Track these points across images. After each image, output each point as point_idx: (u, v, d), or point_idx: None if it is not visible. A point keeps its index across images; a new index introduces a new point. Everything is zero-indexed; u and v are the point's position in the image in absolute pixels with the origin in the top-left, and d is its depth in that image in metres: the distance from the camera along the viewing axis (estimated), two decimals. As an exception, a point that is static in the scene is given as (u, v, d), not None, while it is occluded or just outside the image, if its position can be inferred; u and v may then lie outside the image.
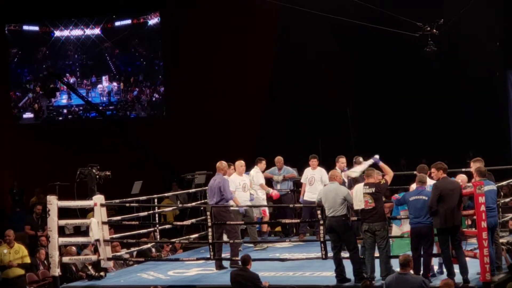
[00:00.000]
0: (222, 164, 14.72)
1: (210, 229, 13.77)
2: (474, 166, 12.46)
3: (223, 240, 15.11)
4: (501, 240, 12.77)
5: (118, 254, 14.90)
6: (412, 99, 24.31)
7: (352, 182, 14.51)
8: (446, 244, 11.93)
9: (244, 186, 15.48)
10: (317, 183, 16.02)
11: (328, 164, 15.59)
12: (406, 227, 12.55)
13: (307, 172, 16.25)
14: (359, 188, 12.52)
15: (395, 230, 12.72)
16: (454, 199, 11.85)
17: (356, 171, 13.83)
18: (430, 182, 12.56)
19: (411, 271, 11.30)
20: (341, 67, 24.79)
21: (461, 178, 12.76)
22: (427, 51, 17.33)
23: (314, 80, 24.79)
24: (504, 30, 23.09)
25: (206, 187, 17.65)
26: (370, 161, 13.36)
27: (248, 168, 15.95)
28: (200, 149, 25.37)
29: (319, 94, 24.55)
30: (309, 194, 16.00)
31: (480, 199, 11.73)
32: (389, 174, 12.88)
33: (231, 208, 14.50)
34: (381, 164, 13.16)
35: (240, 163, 15.58)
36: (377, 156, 13.30)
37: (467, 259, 11.95)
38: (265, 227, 16.65)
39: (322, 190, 13.13)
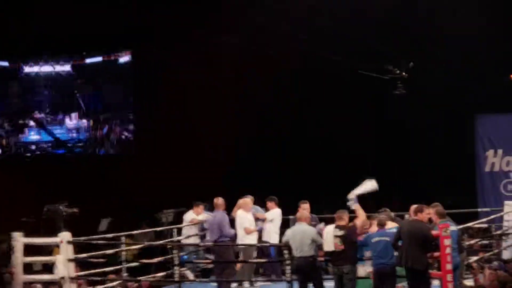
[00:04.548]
0: (221, 200, 14.80)
1: (176, 268, 13.74)
2: (433, 210, 12.57)
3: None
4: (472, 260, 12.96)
5: (83, 292, 14.80)
6: (385, 142, 24.51)
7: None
8: (410, 284, 12.02)
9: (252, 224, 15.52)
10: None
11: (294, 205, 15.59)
12: (370, 268, 12.62)
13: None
14: (330, 230, 12.60)
15: (360, 270, 12.77)
16: (412, 241, 11.90)
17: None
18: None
19: None
20: (312, 107, 25.01)
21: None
22: (397, 94, 17.56)
23: (286, 118, 24.96)
24: (471, 73, 23.35)
25: (174, 226, 17.72)
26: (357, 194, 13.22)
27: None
28: (171, 188, 25.30)
29: (292, 133, 24.73)
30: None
31: (446, 242, 11.83)
32: (361, 217, 12.92)
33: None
34: (356, 205, 13.13)
35: (247, 200, 15.57)
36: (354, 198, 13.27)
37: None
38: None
39: (289, 231, 13.18)
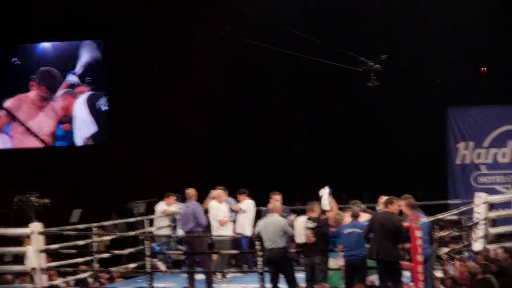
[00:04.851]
0: (193, 191, 14.83)
1: (147, 259, 13.72)
2: (404, 202, 12.57)
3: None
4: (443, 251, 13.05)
5: (54, 283, 14.74)
6: (358, 133, 24.60)
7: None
8: (381, 276, 12.10)
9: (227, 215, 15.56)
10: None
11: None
12: (341, 261, 12.67)
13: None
14: (301, 221, 12.63)
15: (331, 262, 12.83)
16: (383, 233, 11.96)
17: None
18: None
19: None
20: (288, 99, 25.08)
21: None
22: (370, 86, 17.59)
23: (262, 112, 24.98)
24: (443, 66, 23.47)
25: (146, 216, 17.70)
26: (327, 191, 13.34)
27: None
28: (143, 178, 25.24)
29: (267, 126, 24.77)
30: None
31: (417, 233, 11.89)
32: (333, 209, 13.01)
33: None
34: (329, 198, 13.21)
35: (220, 191, 15.59)
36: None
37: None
38: None
39: (261, 222, 13.20)
